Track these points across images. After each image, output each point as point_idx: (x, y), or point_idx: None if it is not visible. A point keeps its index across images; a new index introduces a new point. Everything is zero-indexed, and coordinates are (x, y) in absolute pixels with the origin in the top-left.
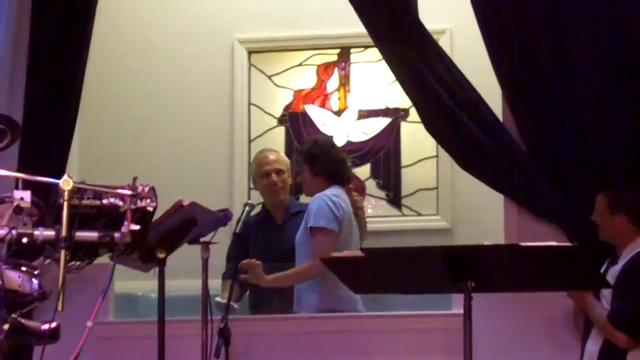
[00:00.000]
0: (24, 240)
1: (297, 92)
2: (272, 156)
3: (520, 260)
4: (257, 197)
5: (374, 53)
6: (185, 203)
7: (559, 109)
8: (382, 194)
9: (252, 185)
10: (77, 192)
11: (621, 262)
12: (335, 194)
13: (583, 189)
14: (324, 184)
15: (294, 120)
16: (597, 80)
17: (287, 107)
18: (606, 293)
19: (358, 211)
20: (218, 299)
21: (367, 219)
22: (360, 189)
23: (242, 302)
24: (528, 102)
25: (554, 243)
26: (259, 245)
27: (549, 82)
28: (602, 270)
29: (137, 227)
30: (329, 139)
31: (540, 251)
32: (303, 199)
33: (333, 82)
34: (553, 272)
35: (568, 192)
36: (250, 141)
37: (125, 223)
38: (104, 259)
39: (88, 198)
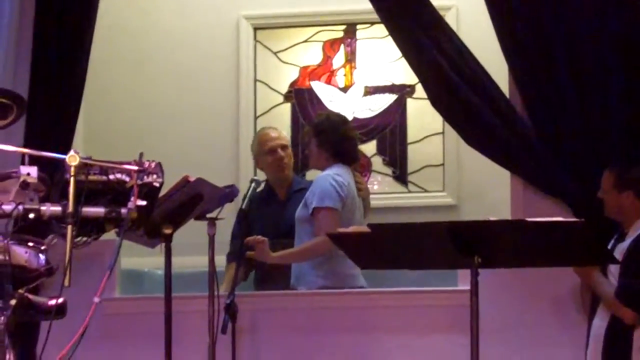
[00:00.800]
0: (31, 215)
1: (303, 69)
2: (274, 133)
3: (526, 235)
4: (262, 174)
5: (380, 29)
6: (192, 179)
7: (566, 85)
8: (388, 170)
9: None
10: (83, 167)
11: (629, 239)
12: (338, 173)
13: (589, 165)
14: (328, 160)
15: (300, 97)
16: (604, 56)
17: (293, 84)
18: (613, 269)
19: (360, 192)
20: None
21: (373, 196)
22: (366, 165)
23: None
24: (534, 78)
25: (560, 218)
26: (263, 222)
27: (555, 59)
28: (609, 247)
29: (143, 203)
30: (342, 116)
31: (547, 226)
32: (309, 176)
33: (339, 59)
34: (560, 248)
35: (574, 168)
36: (256, 118)
37: (132, 199)
38: (110, 235)
39: (94, 174)
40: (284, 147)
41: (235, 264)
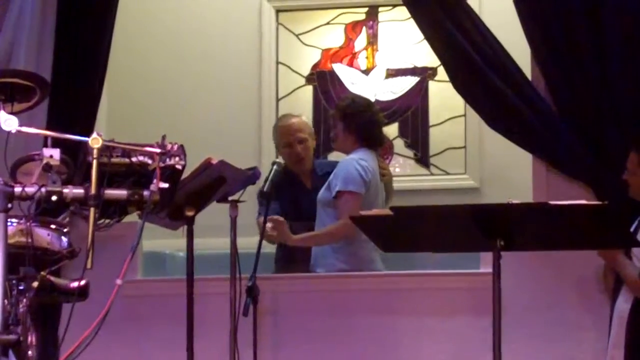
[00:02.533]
0: (53, 198)
1: (325, 51)
2: (294, 125)
3: (550, 218)
4: None
5: (402, 11)
6: (214, 161)
7: (589, 67)
8: (410, 153)
9: None
10: (106, 150)
11: None
12: (363, 157)
13: (613, 147)
14: (354, 144)
15: (322, 79)
16: (629, 36)
17: (314, 66)
18: (637, 252)
19: (383, 177)
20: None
21: (395, 178)
22: (388, 148)
23: (267, 258)
24: (557, 60)
25: (584, 201)
26: (289, 207)
27: (578, 40)
28: (632, 229)
29: (166, 185)
30: (367, 100)
31: (571, 210)
32: (332, 157)
33: (361, 41)
34: (583, 231)
35: (597, 150)
36: (277, 100)
37: (154, 181)
38: (133, 217)
39: (117, 156)
40: (301, 140)
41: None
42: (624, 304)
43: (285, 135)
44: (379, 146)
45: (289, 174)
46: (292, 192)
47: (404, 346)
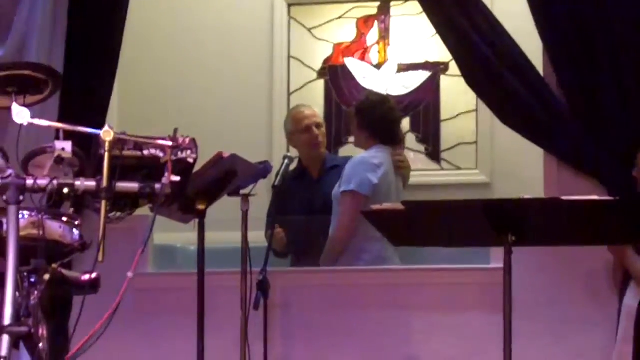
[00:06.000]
0: (65, 190)
1: (337, 45)
2: (308, 111)
3: (561, 214)
4: (295, 151)
5: (414, 6)
6: (226, 155)
7: (600, 63)
8: (422, 147)
9: None
10: (118, 143)
11: None
12: (374, 155)
13: (624, 143)
14: (368, 140)
15: (334, 74)
16: None
17: (326, 60)
18: None
19: (401, 170)
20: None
21: None
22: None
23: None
24: (569, 55)
25: (595, 197)
26: (296, 200)
27: (590, 36)
28: None
29: (177, 179)
30: (382, 96)
31: (582, 205)
32: (342, 152)
33: (373, 35)
34: (594, 227)
35: (609, 146)
36: (289, 94)
37: (166, 174)
38: (144, 211)
39: (129, 149)
40: (318, 125)
41: (269, 235)
42: (632, 300)
43: (302, 120)
44: (395, 143)
45: (299, 168)
46: (301, 185)
47: (415, 341)
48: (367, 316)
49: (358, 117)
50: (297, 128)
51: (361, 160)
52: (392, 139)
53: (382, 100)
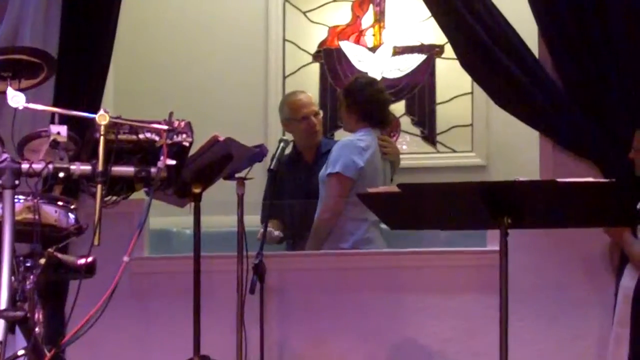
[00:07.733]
0: (61, 174)
1: (332, 29)
2: (306, 99)
3: (557, 196)
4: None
5: None
6: (221, 138)
7: (596, 45)
8: (417, 130)
9: None
10: (113, 126)
11: None
12: (361, 138)
13: (620, 125)
14: (357, 123)
15: (329, 57)
16: (636, 15)
17: (321, 44)
18: None
19: (386, 155)
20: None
21: (402, 156)
22: (395, 126)
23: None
24: (564, 38)
25: (591, 179)
26: (292, 184)
27: (585, 18)
28: (638, 207)
29: (173, 162)
30: (370, 78)
31: (578, 187)
32: (337, 136)
33: (368, 18)
34: (590, 209)
35: (604, 129)
36: (284, 77)
37: (162, 158)
38: (140, 194)
39: (124, 133)
40: (316, 114)
41: (264, 224)
42: (629, 282)
43: (301, 108)
44: (384, 125)
45: (293, 152)
46: (296, 170)
47: (410, 324)
48: (362, 299)
49: (346, 99)
50: (295, 116)
51: (347, 143)
52: (380, 121)
53: (371, 82)
